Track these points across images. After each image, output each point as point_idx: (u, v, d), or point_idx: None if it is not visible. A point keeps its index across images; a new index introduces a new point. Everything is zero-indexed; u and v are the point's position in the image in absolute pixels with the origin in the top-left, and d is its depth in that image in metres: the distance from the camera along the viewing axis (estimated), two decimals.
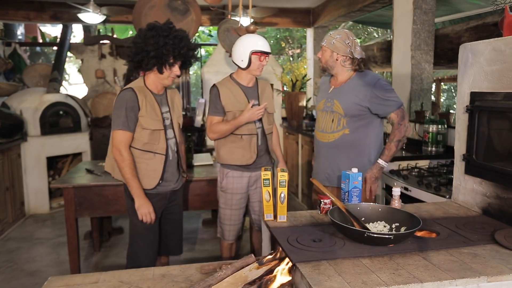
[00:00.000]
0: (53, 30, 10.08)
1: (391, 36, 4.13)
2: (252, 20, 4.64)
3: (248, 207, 2.74)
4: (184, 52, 2.22)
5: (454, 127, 2.25)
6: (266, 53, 2.49)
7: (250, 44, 2.46)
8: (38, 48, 7.82)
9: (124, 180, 2.25)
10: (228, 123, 2.49)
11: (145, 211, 2.23)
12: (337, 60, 2.25)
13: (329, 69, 2.32)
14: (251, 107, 2.45)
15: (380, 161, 2.26)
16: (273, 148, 2.75)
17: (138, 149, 2.25)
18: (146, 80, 2.30)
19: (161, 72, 2.22)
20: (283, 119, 5.74)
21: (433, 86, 6.80)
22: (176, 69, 2.25)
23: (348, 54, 2.22)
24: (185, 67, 2.33)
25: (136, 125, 2.21)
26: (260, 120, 2.56)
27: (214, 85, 2.58)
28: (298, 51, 10.63)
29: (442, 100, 9.17)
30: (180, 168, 2.46)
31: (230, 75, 2.62)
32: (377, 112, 2.24)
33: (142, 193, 2.23)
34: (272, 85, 2.79)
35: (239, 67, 2.53)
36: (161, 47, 2.15)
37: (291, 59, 10.38)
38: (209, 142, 5.49)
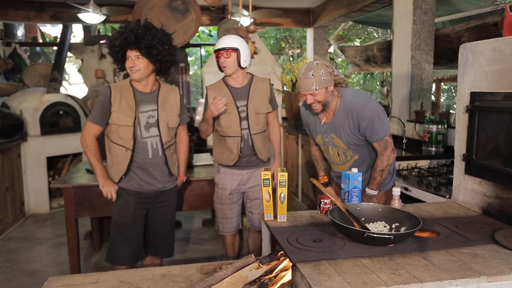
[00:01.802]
0: (53, 30, 10.07)
1: (391, 36, 4.13)
2: (252, 20, 4.64)
3: (246, 205, 2.75)
4: (120, 42, 2.24)
5: (454, 127, 2.25)
6: (222, 50, 2.46)
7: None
8: (38, 48, 7.81)
9: (90, 164, 2.41)
10: (203, 120, 2.56)
11: (107, 189, 2.35)
12: (332, 92, 2.11)
13: (327, 106, 2.14)
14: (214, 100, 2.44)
15: (368, 190, 2.19)
16: (272, 144, 2.75)
17: (113, 142, 2.35)
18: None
19: (123, 68, 2.35)
20: (283, 119, 5.74)
21: (433, 86, 6.81)
22: (129, 61, 2.26)
23: (335, 80, 2.10)
24: (150, 57, 2.26)
25: (109, 119, 2.33)
26: (247, 120, 2.55)
27: (206, 87, 2.67)
28: (298, 51, 10.63)
29: (442, 100, 9.17)
30: (169, 169, 2.42)
31: (223, 77, 2.64)
32: (364, 137, 2.16)
33: (104, 175, 2.37)
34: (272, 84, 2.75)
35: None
36: (108, 44, 2.32)
37: (291, 59, 10.38)
38: (209, 142, 5.50)
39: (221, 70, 2.55)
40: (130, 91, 2.33)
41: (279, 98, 5.42)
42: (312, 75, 2.03)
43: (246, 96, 2.56)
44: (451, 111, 3.59)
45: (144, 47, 2.23)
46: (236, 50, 2.46)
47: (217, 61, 2.52)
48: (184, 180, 2.66)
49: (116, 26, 6.87)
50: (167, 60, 2.34)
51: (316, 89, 2.04)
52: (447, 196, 2.29)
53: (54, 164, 5.18)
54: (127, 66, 2.28)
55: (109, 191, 2.34)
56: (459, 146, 2.09)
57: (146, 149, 2.32)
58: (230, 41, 2.49)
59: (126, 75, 2.50)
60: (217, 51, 2.49)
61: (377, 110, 2.09)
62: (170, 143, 2.42)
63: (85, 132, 2.35)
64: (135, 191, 2.36)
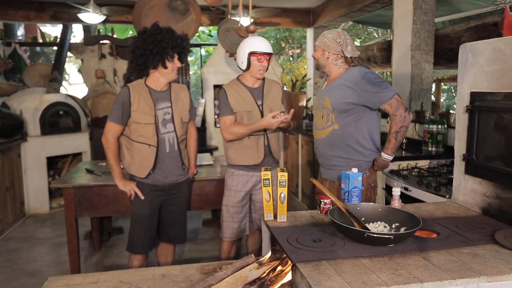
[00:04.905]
0: (53, 30, 10.07)
1: (391, 36, 4.13)
2: (252, 20, 4.64)
3: (250, 206, 2.74)
4: (179, 42, 2.42)
5: (454, 127, 2.25)
6: (265, 54, 2.49)
7: (248, 46, 2.49)
8: (38, 48, 7.81)
9: (108, 164, 2.53)
10: (245, 127, 2.50)
11: (128, 188, 2.48)
12: (328, 58, 2.28)
13: (322, 67, 2.35)
14: (273, 117, 2.41)
15: (383, 154, 2.24)
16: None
17: (134, 141, 2.45)
18: (147, 79, 2.49)
19: (165, 66, 2.41)
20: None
21: (433, 86, 6.81)
22: (177, 61, 2.44)
23: (339, 52, 2.24)
24: (181, 59, 2.49)
25: (129, 118, 2.42)
26: None
27: (221, 87, 2.63)
28: (298, 51, 10.63)
29: (442, 100, 9.17)
30: (182, 162, 2.57)
31: (237, 77, 2.66)
32: (367, 105, 2.19)
33: (122, 176, 2.51)
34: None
35: (241, 69, 2.57)
36: (160, 42, 2.36)
37: (291, 59, 10.38)
38: (209, 142, 5.50)
39: (245, 69, 2.53)
40: (146, 91, 2.46)
41: None
42: (323, 34, 2.30)
43: (261, 96, 2.61)
44: (451, 111, 3.59)
45: (186, 53, 2.51)
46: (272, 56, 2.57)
47: (249, 61, 2.49)
48: (195, 173, 2.82)
49: (116, 26, 6.88)
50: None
51: (316, 44, 2.32)
52: (447, 196, 2.29)
53: (54, 164, 5.18)
54: (173, 67, 2.42)
55: (131, 188, 2.47)
56: (459, 146, 2.09)
57: (164, 144, 2.47)
58: (269, 46, 2.54)
59: (128, 78, 2.57)
60: (261, 54, 2.47)
61: (379, 77, 2.21)
62: (183, 137, 2.59)
63: (109, 134, 2.45)
64: (151, 184, 2.49)
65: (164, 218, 2.62)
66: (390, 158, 2.24)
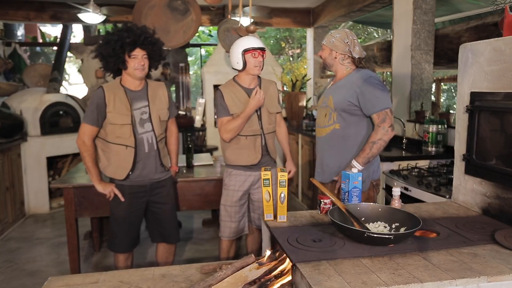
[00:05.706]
0: (53, 30, 10.07)
1: (391, 36, 4.13)
2: (252, 20, 4.64)
3: (248, 206, 2.74)
4: (132, 40, 2.32)
5: (454, 127, 2.25)
6: (259, 49, 2.49)
7: (240, 45, 2.50)
8: (38, 48, 7.81)
9: (86, 167, 2.49)
10: (238, 117, 2.49)
11: (109, 189, 2.45)
12: (335, 58, 2.29)
13: (328, 67, 2.36)
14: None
15: (353, 161, 2.17)
16: (280, 144, 2.80)
17: (111, 142, 2.41)
18: (122, 79, 2.47)
19: (124, 67, 2.38)
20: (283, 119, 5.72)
21: (433, 86, 6.81)
22: (137, 60, 2.35)
23: (347, 52, 2.24)
24: (153, 57, 2.44)
25: (104, 120, 2.38)
26: (260, 120, 2.57)
27: (217, 88, 2.63)
28: (298, 51, 10.63)
29: (442, 100, 9.16)
30: (161, 162, 2.52)
31: (233, 78, 2.65)
32: (362, 109, 2.19)
33: (100, 179, 2.48)
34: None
35: (237, 70, 2.57)
36: (107, 44, 2.34)
37: (291, 59, 10.38)
38: (209, 142, 5.49)
39: (241, 69, 2.52)
40: (122, 91, 2.42)
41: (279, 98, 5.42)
42: (331, 34, 2.30)
43: None
44: (451, 111, 3.58)
45: (153, 48, 2.42)
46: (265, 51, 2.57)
47: (244, 60, 2.48)
48: (177, 171, 2.80)
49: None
50: (159, 60, 2.52)
51: (324, 43, 2.33)
52: (447, 196, 2.29)
53: (54, 164, 5.17)
54: (134, 64, 2.35)
55: (111, 190, 2.44)
56: (459, 146, 2.09)
57: (143, 144, 2.43)
58: (261, 42, 2.56)
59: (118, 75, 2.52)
60: (254, 50, 2.47)
61: (382, 84, 2.22)
62: (161, 136, 2.54)
63: (84, 136, 2.40)
64: (130, 186, 2.46)
65: (153, 218, 2.59)
66: (359, 167, 2.15)
